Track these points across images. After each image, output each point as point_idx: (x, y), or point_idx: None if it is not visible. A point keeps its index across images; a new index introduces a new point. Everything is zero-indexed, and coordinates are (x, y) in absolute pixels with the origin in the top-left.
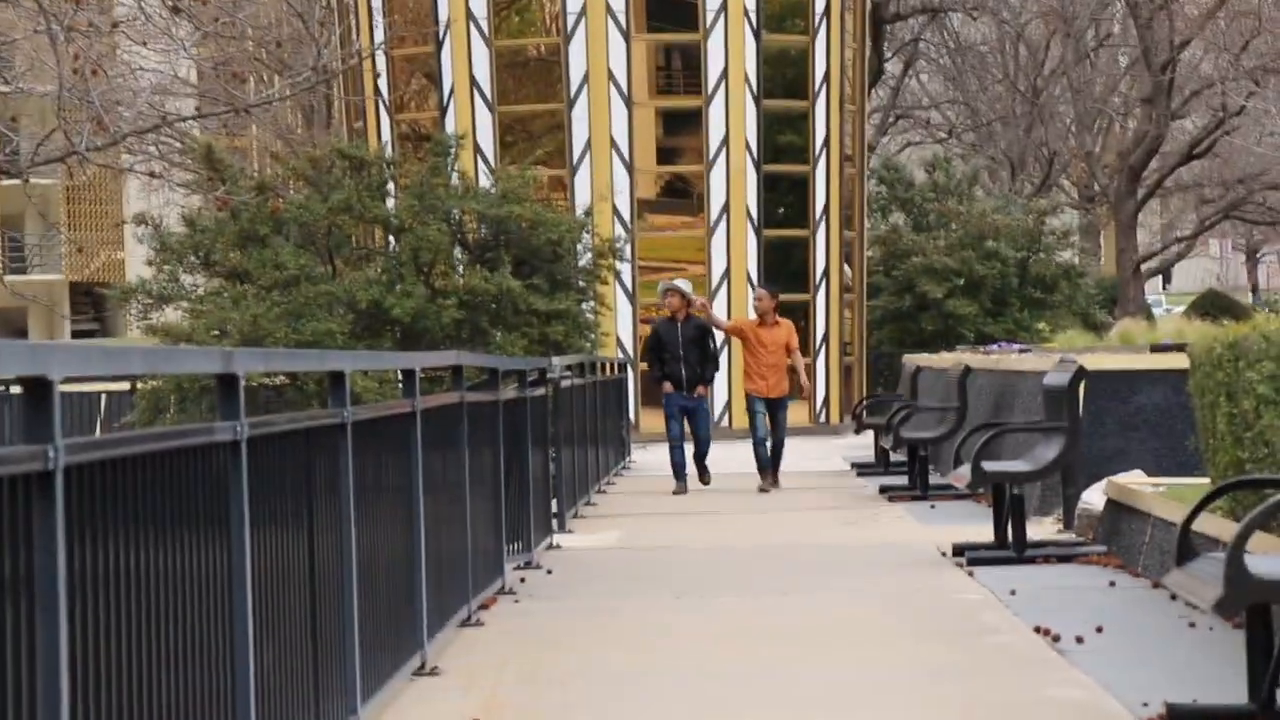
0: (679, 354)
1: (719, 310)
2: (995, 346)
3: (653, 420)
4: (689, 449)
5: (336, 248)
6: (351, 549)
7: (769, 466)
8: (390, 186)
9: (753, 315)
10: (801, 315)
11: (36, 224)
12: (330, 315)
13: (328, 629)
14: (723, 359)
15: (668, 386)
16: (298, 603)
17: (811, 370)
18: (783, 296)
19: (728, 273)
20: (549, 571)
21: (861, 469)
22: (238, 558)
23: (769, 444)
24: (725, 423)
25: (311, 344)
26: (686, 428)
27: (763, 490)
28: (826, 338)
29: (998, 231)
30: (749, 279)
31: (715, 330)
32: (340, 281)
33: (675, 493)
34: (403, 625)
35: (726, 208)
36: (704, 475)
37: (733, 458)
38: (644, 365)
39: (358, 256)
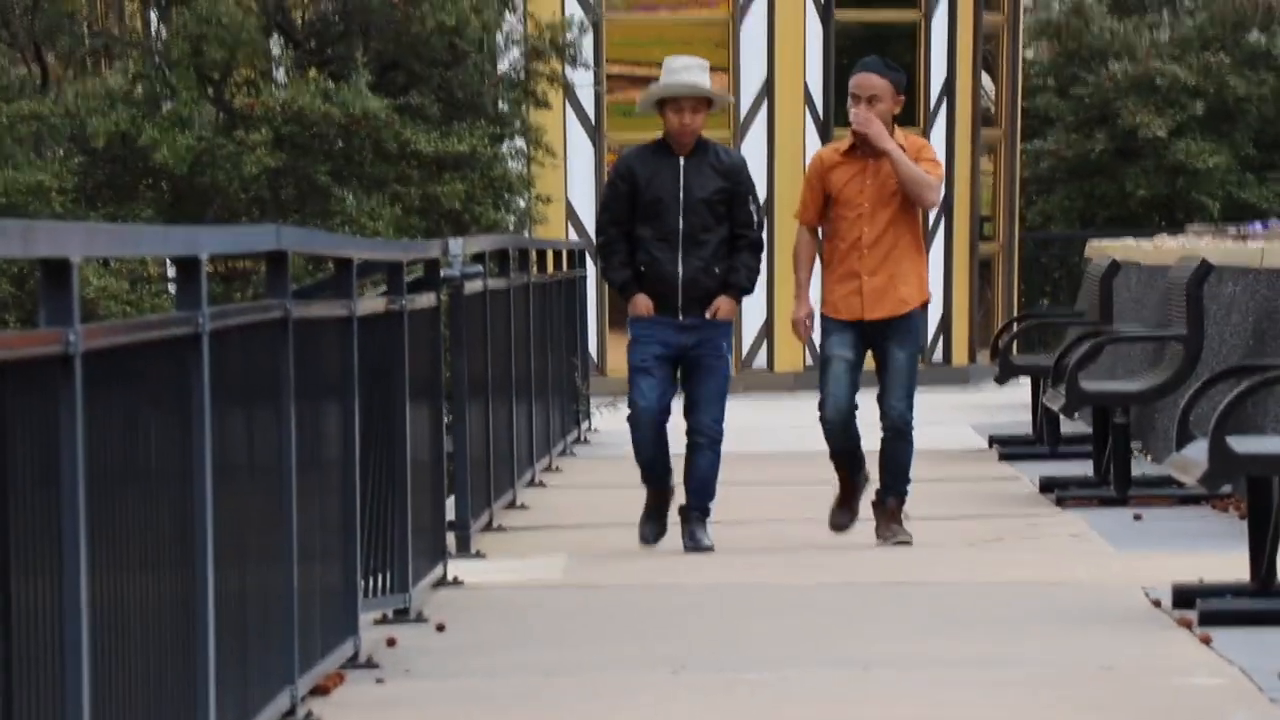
0: (677, 227)
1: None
2: (1260, 226)
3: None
4: (674, 439)
5: (48, 36)
6: (80, 586)
7: (859, 479)
8: None
9: (824, 156)
10: None
11: None
12: (40, 158)
13: None
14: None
15: (641, 303)
16: None
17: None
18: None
19: (769, 88)
20: (440, 628)
21: (1008, 447)
22: None
23: (873, 428)
24: (763, 361)
25: (4, 210)
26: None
27: (840, 527)
28: (948, 209)
29: (1272, 15)
30: (807, 97)
31: (753, 193)
32: (59, 98)
33: (644, 540)
34: None
35: None
36: (694, 530)
37: (778, 426)
38: (600, 250)
39: (90, 52)
